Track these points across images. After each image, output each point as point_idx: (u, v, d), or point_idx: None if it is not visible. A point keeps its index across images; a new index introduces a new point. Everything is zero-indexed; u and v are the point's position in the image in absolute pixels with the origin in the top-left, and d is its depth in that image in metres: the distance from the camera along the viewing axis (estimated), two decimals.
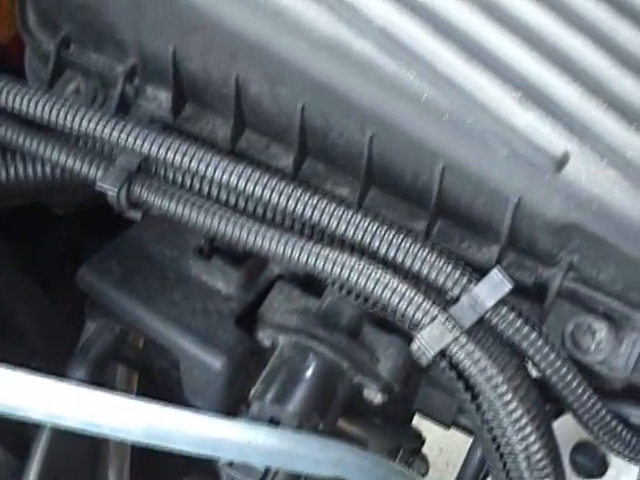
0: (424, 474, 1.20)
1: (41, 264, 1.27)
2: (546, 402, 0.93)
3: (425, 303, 0.86)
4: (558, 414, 1.05)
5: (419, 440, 1.23)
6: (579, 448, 1.04)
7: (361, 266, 0.88)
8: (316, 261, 0.89)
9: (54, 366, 1.06)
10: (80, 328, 1.13)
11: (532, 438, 0.87)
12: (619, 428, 0.92)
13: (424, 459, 1.22)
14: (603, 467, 1.05)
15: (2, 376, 0.84)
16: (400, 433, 1.18)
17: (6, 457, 1.15)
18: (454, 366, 0.87)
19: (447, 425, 1.17)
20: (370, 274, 0.87)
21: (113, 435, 0.89)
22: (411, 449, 1.20)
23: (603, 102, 0.89)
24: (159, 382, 1.14)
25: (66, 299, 1.23)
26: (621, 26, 0.92)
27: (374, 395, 1.02)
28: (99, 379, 1.09)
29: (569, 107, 0.88)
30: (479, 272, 0.89)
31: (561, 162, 0.86)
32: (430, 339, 0.86)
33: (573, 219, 0.87)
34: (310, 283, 1.07)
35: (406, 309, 0.86)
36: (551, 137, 0.86)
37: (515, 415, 0.86)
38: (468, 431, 1.18)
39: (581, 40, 0.90)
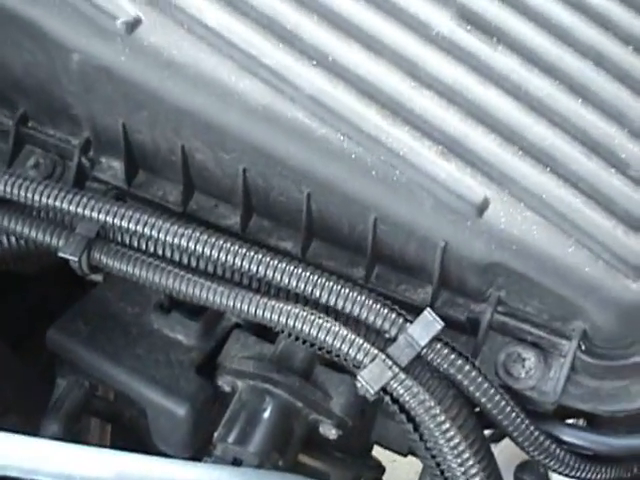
0: None
1: (10, 324, 1.33)
2: (485, 428, 1.02)
3: (365, 344, 0.94)
4: (501, 437, 1.13)
5: (379, 469, 1.30)
6: (522, 467, 1.13)
7: (305, 314, 0.95)
8: (264, 312, 0.96)
9: (28, 422, 1.14)
10: (52, 384, 1.19)
11: (470, 462, 0.94)
12: (552, 447, 0.99)
13: None
14: None
15: None
16: (360, 464, 1.25)
17: None
18: (395, 400, 0.95)
19: (404, 454, 1.24)
20: (314, 321, 0.95)
21: None
22: (372, 479, 1.28)
23: (518, 150, 0.97)
24: (129, 430, 1.21)
25: (37, 357, 1.29)
26: (531, 75, 1.00)
27: (329, 431, 1.10)
28: (72, 432, 1.16)
29: (487, 156, 0.96)
30: (416, 312, 0.96)
31: (482, 208, 0.94)
32: (371, 378, 0.93)
33: (496, 259, 0.95)
34: (265, 330, 1.14)
35: (348, 351, 0.94)
36: (471, 185, 0.94)
37: (453, 442, 0.94)
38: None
39: (494, 92, 0.98)
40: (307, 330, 0.95)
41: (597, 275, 0.94)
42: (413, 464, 1.19)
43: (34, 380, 1.29)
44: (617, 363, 0.98)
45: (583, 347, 0.98)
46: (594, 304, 0.96)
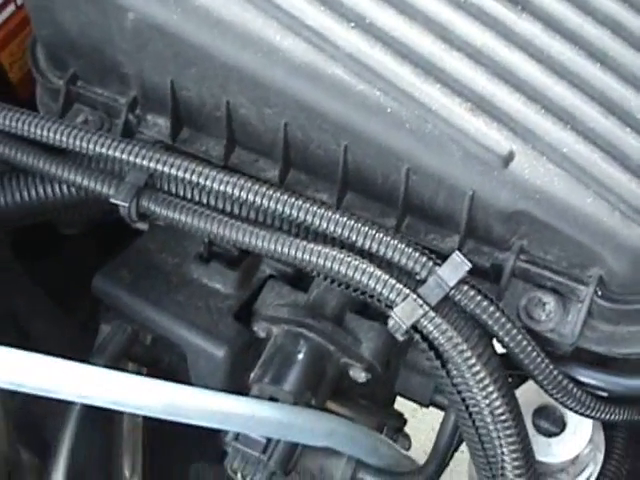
0: (407, 449, 1.34)
1: (52, 279, 1.40)
2: (507, 370, 1.09)
3: (397, 284, 1.01)
4: (520, 383, 1.19)
5: (401, 419, 1.37)
6: (540, 411, 1.19)
7: (341, 256, 1.02)
8: (303, 254, 1.03)
9: None
10: (93, 337, 1.26)
11: (495, 395, 1.01)
12: (571, 387, 1.06)
13: (406, 436, 1.36)
14: (562, 426, 1.19)
15: (35, 361, 0.98)
16: (384, 413, 1.32)
17: (31, 460, 1.28)
18: (425, 338, 1.02)
19: (425, 405, 1.31)
20: (349, 262, 1.02)
21: (135, 411, 1.03)
22: (394, 427, 1.34)
23: (541, 108, 1.03)
24: (167, 376, 1.27)
25: (77, 311, 1.37)
26: (553, 41, 1.07)
27: (359, 374, 1.17)
28: None
29: (512, 113, 1.02)
30: (444, 260, 1.04)
31: (507, 159, 1.01)
32: (403, 315, 1.00)
33: (520, 207, 1.02)
34: (298, 280, 1.22)
35: (381, 290, 1.01)
36: (498, 139, 1.01)
37: (479, 376, 1.01)
38: (444, 409, 1.32)
39: (518, 55, 1.04)
40: (343, 271, 1.02)
41: (613, 224, 1.01)
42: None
43: (77, 331, 1.36)
44: (632, 307, 1.05)
45: (599, 293, 1.05)
46: (610, 251, 1.02)
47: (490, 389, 1.01)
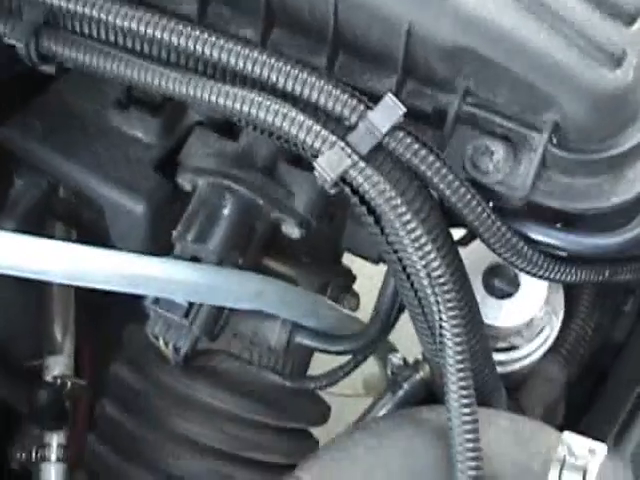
0: (354, 309, 1.25)
1: None
2: (453, 226, 0.98)
3: (323, 131, 0.89)
4: (469, 240, 1.09)
5: (349, 277, 1.28)
6: (493, 271, 1.10)
7: (260, 100, 0.90)
8: (217, 98, 0.91)
9: None
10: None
11: (432, 255, 0.91)
12: (520, 245, 0.96)
13: (355, 295, 1.27)
14: (516, 287, 1.10)
15: None
16: (328, 270, 1.22)
17: None
18: (355, 191, 0.91)
19: (374, 261, 1.21)
20: (269, 106, 0.90)
21: (36, 277, 0.93)
22: (341, 286, 1.25)
23: None
24: (90, 233, 1.18)
25: None
26: None
27: (291, 230, 1.07)
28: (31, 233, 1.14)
29: None
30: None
31: None
32: (328, 165, 0.89)
33: (463, 42, 0.90)
34: (229, 128, 1.11)
35: (305, 138, 0.89)
36: None
37: (415, 234, 0.90)
38: None
39: None
40: (262, 116, 0.90)
41: (570, 62, 0.89)
42: None
43: None
44: (590, 157, 0.94)
45: (555, 140, 0.93)
46: (567, 93, 0.91)
47: (427, 248, 0.91)
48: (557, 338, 1.21)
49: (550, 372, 1.23)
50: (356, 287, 1.31)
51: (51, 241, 0.94)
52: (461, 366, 0.93)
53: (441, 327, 0.93)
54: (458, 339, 0.92)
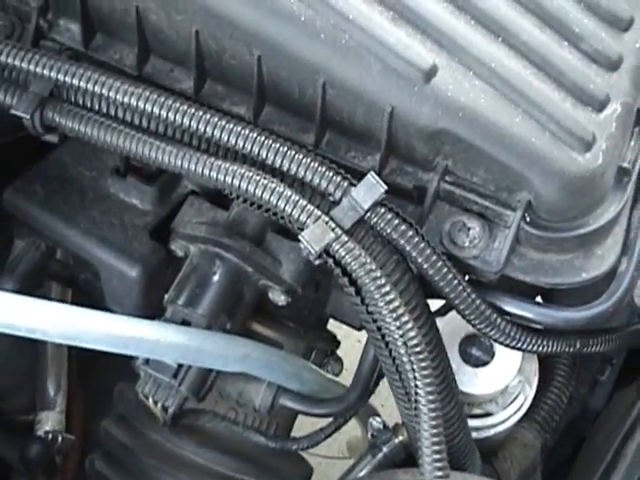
0: (337, 374, 1.29)
1: None
2: (430, 297, 1.03)
3: (308, 206, 0.95)
4: (447, 311, 1.14)
5: (334, 342, 1.32)
6: (469, 340, 1.14)
7: (250, 174, 0.96)
8: (210, 172, 0.97)
9: None
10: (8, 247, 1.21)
11: (409, 325, 0.95)
12: (494, 317, 1.00)
13: (338, 360, 1.31)
14: (491, 355, 1.14)
15: None
16: (314, 335, 1.27)
17: None
18: (338, 263, 0.96)
19: (357, 328, 1.25)
20: (258, 181, 0.95)
21: (28, 335, 0.98)
22: (325, 350, 1.29)
23: (470, 18, 0.97)
24: (86, 295, 1.22)
25: None
26: None
27: (278, 297, 1.11)
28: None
29: (438, 24, 0.96)
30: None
31: (429, 74, 0.94)
32: (312, 238, 0.94)
33: (443, 125, 0.96)
34: (221, 198, 1.15)
35: (291, 212, 0.95)
36: (420, 51, 0.94)
37: (393, 305, 0.95)
38: None
39: None
40: (251, 190, 0.95)
41: (543, 146, 0.95)
42: None
43: None
44: (561, 235, 0.99)
45: (528, 219, 0.99)
46: (539, 175, 0.96)
47: (404, 319, 0.95)
48: (533, 405, 1.24)
49: (526, 438, 1.27)
50: (342, 350, 1.36)
51: (45, 301, 0.98)
52: (434, 431, 0.97)
53: (417, 394, 0.97)
54: (432, 406, 0.96)
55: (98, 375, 1.38)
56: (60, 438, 1.32)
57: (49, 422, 1.32)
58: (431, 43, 0.95)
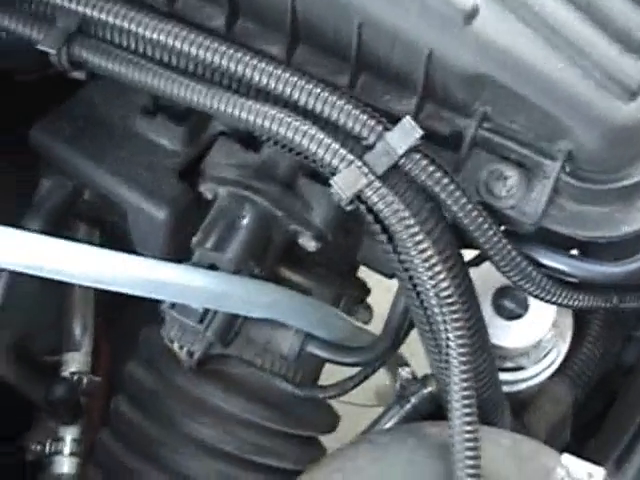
0: (367, 322, 1.27)
1: None
2: (465, 247, 1.00)
3: (341, 150, 0.91)
4: (481, 261, 1.11)
5: (364, 290, 1.30)
6: (502, 291, 1.11)
7: (281, 116, 0.93)
8: (240, 112, 0.94)
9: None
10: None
11: (442, 276, 0.92)
12: (529, 269, 0.98)
13: (368, 307, 1.28)
14: (525, 308, 1.11)
15: None
16: (343, 282, 1.24)
17: None
18: (370, 209, 0.93)
19: (389, 275, 1.23)
20: (289, 123, 0.92)
21: (55, 277, 0.96)
22: (355, 298, 1.27)
23: None
24: (113, 237, 1.20)
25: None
26: None
27: (308, 242, 1.09)
28: (55, 234, 1.16)
29: None
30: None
31: (470, 15, 0.90)
32: (344, 183, 0.91)
33: (482, 70, 0.92)
34: (251, 139, 1.13)
35: (323, 155, 0.92)
36: None
37: (426, 254, 0.92)
38: None
39: None
40: (282, 132, 0.92)
41: (587, 93, 0.91)
42: None
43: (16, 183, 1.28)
44: (602, 187, 0.96)
45: (568, 169, 0.95)
46: (582, 123, 0.93)
47: (437, 269, 0.93)
48: (565, 360, 1.22)
49: (557, 393, 1.24)
50: (373, 299, 1.33)
51: (72, 243, 0.96)
52: (465, 385, 0.95)
53: (447, 346, 0.94)
54: (463, 359, 0.94)
55: (125, 318, 1.36)
56: (85, 380, 1.30)
57: (75, 363, 1.31)
58: None
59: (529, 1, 0.91)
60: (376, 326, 1.23)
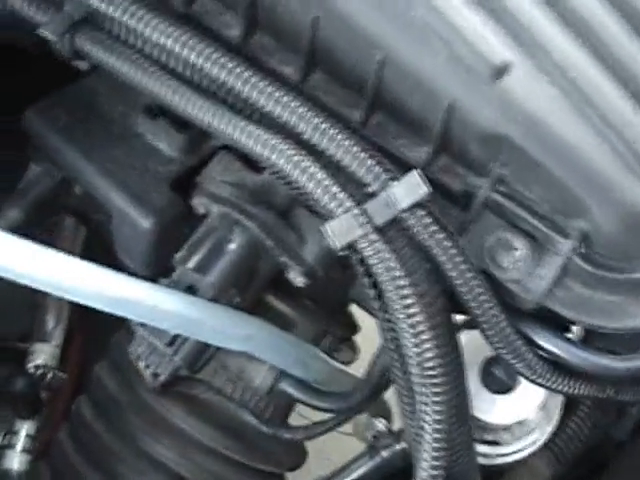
0: (349, 363, 1.20)
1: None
2: (458, 313, 0.93)
3: (340, 193, 0.84)
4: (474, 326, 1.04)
5: (351, 328, 1.23)
6: (493, 360, 1.04)
7: (283, 146, 0.86)
8: (240, 135, 0.87)
9: None
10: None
11: (427, 345, 0.85)
12: (522, 349, 0.90)
13: (352, 348, 1.21)
14: (513, 382, 1.05)
15: None
16: (331, 318, 1.17)
17: None
18: (362, 261, 0.86)
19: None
20: (289, 156, 0.85)
21: (21, 281, 0.89)
22: (339, 336, 1.20)
23: (557, 15, 0.85)
24: (97, 235, 1.14)
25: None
26: None
27: (296, 277, 1.02)
28: (36, 223, 1.10)
29: (520, 15, 0.84)
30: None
31: (500, 71, 0.83)
32: (338, 230, 0.84)
33: (503, 131, 0.85)
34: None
35: (320, 196, 0.85)
36: (494, 44, 0.83)
37: (413, 320, 0.85)
38: None
39: None
40: (280, 164, 0.86)
41: (612, 174, 0.84)
42: None
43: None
44: (615, 276, 0.88)
45: (581, 250, 0.88)
46: (603, 204, 0.86)
47: (424, 337, 0.86)
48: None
49: (536, 467, 1.17)
50: (364, 334, 1.26)
51: (38, 246, 0.89)
52: (436, 454, 0.88)
53: (424, 420, 0.88)
54: (438, 435, 0.87)
55: (101, 318, 1.30)
56: (50, 375, 1.25)
57: (42, 355, 1.25)
58: (508, 36, 0.84)
59: (566, 64, 0.84)
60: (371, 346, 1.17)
